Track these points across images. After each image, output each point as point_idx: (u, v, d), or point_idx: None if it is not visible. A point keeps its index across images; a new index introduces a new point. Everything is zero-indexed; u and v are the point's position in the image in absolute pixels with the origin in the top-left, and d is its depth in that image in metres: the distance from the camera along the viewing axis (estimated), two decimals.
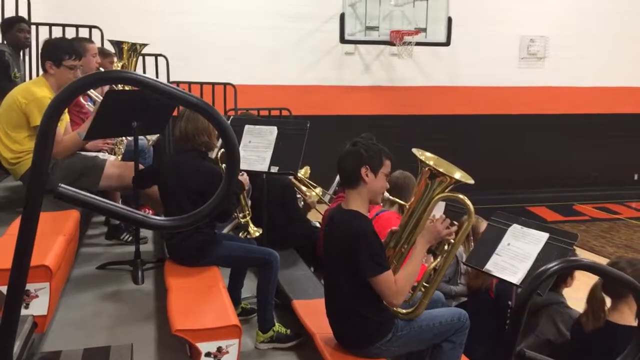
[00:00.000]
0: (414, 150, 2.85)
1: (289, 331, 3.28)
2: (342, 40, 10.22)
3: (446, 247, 2.89)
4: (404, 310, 2.88)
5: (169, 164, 3.54)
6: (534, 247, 2.96)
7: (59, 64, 3.64)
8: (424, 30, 10.29)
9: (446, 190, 2.81)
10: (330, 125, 9.37)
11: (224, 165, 3.66)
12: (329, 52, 10.60)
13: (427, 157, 2.82)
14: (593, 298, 3.01)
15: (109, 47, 5.07)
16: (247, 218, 3.78)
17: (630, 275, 2.14)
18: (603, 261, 3.70)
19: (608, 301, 3.04)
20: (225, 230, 4.22)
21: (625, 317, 2.91)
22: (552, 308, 3.38)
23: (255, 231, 3.75)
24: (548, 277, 1.60)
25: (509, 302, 3.51)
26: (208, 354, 2.58)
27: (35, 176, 1.22)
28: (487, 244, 3.18)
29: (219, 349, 2.59)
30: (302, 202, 4.94)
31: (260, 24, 10.01)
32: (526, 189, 11.44)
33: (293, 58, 10.32)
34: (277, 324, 3.29)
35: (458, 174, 2.79)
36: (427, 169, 2.80)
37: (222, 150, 3.97)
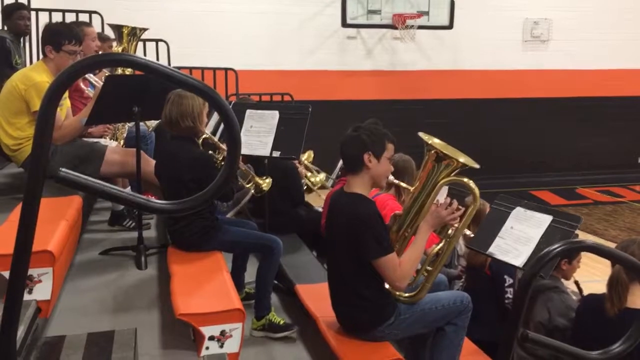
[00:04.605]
0: (421, 134, 2.83)
1: (282, 321, 3.28)
2: (344, 24, 10.16)
3: (450, 231, 2.88)
4: (406, 294, 2.88)
5: (163, 152, 3.53)
6: (537, 230, 2.95)
7: (58, 49, 3.62)
8: (427, 13, 10.22)
9: (452, 174, 2.80)
10: (332, 110, 9.34)
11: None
12: (331, 37, 10.53)
13: (434, 141, 2.81)
14: (617, 282, 2.90)
15: (108, 32, 5.05)
16: (254, 179, 3.76)
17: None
18: (606, 244, 3.70)
19: None
20: (228, 216, 4.23)
21: (635, 299, 2.87)
22: (546, 294, 3.36)
23: (264, 182, 3.73)
24: (551, 258, 1.60)
25: (505, 277, 3.53)
26: (212, 338, 2.59)
27: (36, 160, 1.22)
28: (490, 227, 3.18)
29: (223, 333, 2.60)
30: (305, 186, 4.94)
31: (261, 9, 9.95)
32: (529, 173, 11.41)
33: (294, 43, 10.26)
34: (272, 313, 3.28)
35: (463, 158, 2.79)
36: (433, 151, 2.79)
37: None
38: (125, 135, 4.27)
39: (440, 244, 2.91)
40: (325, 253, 3.33)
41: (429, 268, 2.91)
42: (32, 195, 1.22)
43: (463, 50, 10.95)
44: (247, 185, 3.82)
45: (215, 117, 4.34)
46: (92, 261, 3.56)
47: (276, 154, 3.86)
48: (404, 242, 2.93)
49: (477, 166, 2.78)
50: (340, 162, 4.67)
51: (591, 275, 5.06)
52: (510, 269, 3.46)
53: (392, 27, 10.27)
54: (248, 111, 4.01)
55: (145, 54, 6.97)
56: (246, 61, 9.20)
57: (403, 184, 3.25)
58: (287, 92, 8.05)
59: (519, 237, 3.01)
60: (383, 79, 10.82)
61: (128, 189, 3.93)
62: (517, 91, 11.36)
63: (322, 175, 5.03)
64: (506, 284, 3.55)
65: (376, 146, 2.78)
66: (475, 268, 3.72)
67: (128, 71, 4.04)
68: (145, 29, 4.67)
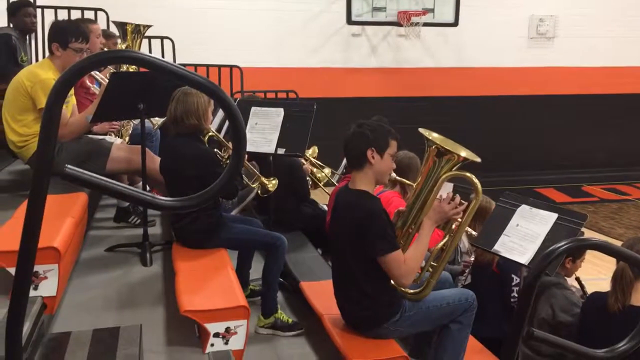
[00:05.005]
0: (421, 130, 2.84)
1: (290, 320, 3.29)
2: (349, 21, 10.14)
3: (453, 226, 2.88)
4: (411, 291, 2.88)
5: (168, 149, 3.54)
6: (543, 228, 2.94)
7: (65, 46, 3.63)
8: (432, 10, 10.19)
9: (453, 169, 2.80)
10: (337, 107, 9.32)
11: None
12: (336, 34, 10.50)
13: (434, 136, 2.81)
14: (621, 276, 2.89)
15: (112, 29, 5.06)
16: (260, 179, 3.76)
17: None
18: (612, 242, 3.69)
19: None
20: (233, 213, 4.24)
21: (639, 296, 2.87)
22: (549, 290, 3.36)
23: (270, 183, 3.74)
24: (557, 256, 1.60)
25: (513, 276, 3.52)
26: (217, 335, 2.60)
27: (41, 157, 1.22)
28: (496, 224, 3.17)
29: (227, 330, 2.61)
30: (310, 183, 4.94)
31: (266, 6, 9.93)
32: (535, 171, 11.37)
33: (299, 40, 10.24)
34: (279, 312, 3.29)
35: (464, 152, 2.79)
36: (434, 147, 2.79)
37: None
38: (130, 132, 4.28)
39: (445, 239, 2.91)
40: (330, 250, 3.33)
41: (433, 264, 2.91)
42: (38, 192, 1.22)
43: (468, 47, 10.91)
44: (253, 185, 3.83)
45: (220, 114, 4.34)
46: (98, 258, 3.58)
47: (281, 151, 3.86)
48: (408, 239, 2.93)
49: (478, 160, 2.77)
50: (345, 160, 4.67)
51: (596, 274, 5.06)
52: (517, 267, 3.45)
53: (397, 24, 10.24)
54: (253, 108, 4.02)
55: (150, 51, 6.97)
56: (251, 58, 9.19)
57: (405, 181, 3.25)
58: (292, 90, 8.04)
59: (525, 235, 3.00)
60: (388, 77, 10.79)
61: (140, 184, 3.94)
62: (522, 88, 11.32)
63: (327, 170, 5.03)
64: (513, 283, 3.53)
65: (379, 142, 2.78)
66: (481, 266, 3.71)
67: (132, 68, 4.05)
68: (149, 26, 4.69)
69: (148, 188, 3.81)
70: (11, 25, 5.49)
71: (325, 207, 4.78)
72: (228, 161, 3.33)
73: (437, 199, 2.85)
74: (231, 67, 7.70)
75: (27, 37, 5.66)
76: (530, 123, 11.36)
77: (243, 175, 3.73)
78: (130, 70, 4.06)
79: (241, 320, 2.64)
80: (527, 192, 8.71)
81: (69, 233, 2.78)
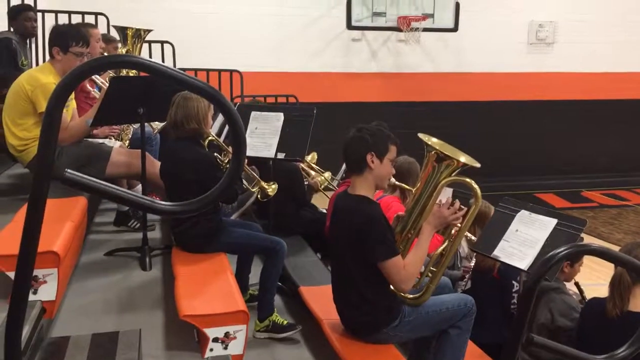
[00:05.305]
0: (420, 135, 2.84)
1: (285, 321, 3.28)
2: (349, 26, 10.16)
3: (453, 231, 2.88)
4: (411, 296, 2.88)
5: (168, 153, 3.55)
6: (542, 233, 2.94)
7: (66, 50, 3.64)
8: (432, 16, 10.21)
9: (452, 175, 2.80)
10: (337, 112, 9.33)
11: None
12: (336, 39, 10.53)
13: (433, 141, 2.81)
14: (619, 282, 2.89)
15: (113, 33, 5.07)
16: (260, 184, 3.77)
17: None
18: (611, 248, 3.68)
19: None
20: (232, 217, 4.24)
21: (638, 302, 2.86)
22: (547, 295, 3.36)
23: (270, 187, 3.75)
24: (557, 262, 1.60)
25: (513, 282, 3.52)
26: (216, 339, 2.59)
27: (41, 161, 1.22)
28: (495, 229, 3.17)
29: (227, 334, 2.61)
30: (307, 185, 4.95)
31: (266, 11, 9.96)
32: (534, 176, 11.37)
33: (299, 45, 10.26)
34: (274, 314, 3.29)
35: (463, 158, 2.79)
36: (433, 152, 2.80)
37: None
38: (130, 136, 4.28)
39: (444, 244, 2.91)
40: (330, 255, 3.33)
41: (433, 269, 2.91)
42: (38, 196, 1.23)
43: (468, 52, 10.93)
44: (253, 190, 3.83)
45: (220, 118, 4.34)
46: (97, 262, 3.57)
47: (281, 155, 3.87)
48: (408, 244, 2.93)
49: (477, 165, 2.78)
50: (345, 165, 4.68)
51: (595, 279, 5.05)
52: (517, 274, 3.45)
53: (397, 29, 10.26)
54: (253, 113, 4.02)
55: (150, 56, 6.99)
56: (251, 63, 9.21)
57: (405, 186, 3.26)
58: (292, 94, 8.06)
59: (524, 240, 3.00)
60: (388, 81, 10.81)
61: (138, 187, 3.94)
62: (522, 94, 11.33)
63: (327, 174, 5.04)
64: (514, 289, 3.53)
65: (379, 147, 2.79)
66: (482, 271, 3.71)
67: (132, 72, 4.06)
68: (149, 31, 4.70)
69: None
70: (12, 30, 5.50)
71: (325, 212, 4.79)
72: (228, 165, 3.34)
73: (436, 204, 2.85)
74: (231, 71, 7.72)
75: (28, 41, 5.67)
76: (530, 128, 11.38)
77: (243, 180, 3.74)
78: (131, 74, 4.06)
79: (240, 325, 2.64)
80: (527, 198, 8.70)
81: (69, 237, 2.78)
